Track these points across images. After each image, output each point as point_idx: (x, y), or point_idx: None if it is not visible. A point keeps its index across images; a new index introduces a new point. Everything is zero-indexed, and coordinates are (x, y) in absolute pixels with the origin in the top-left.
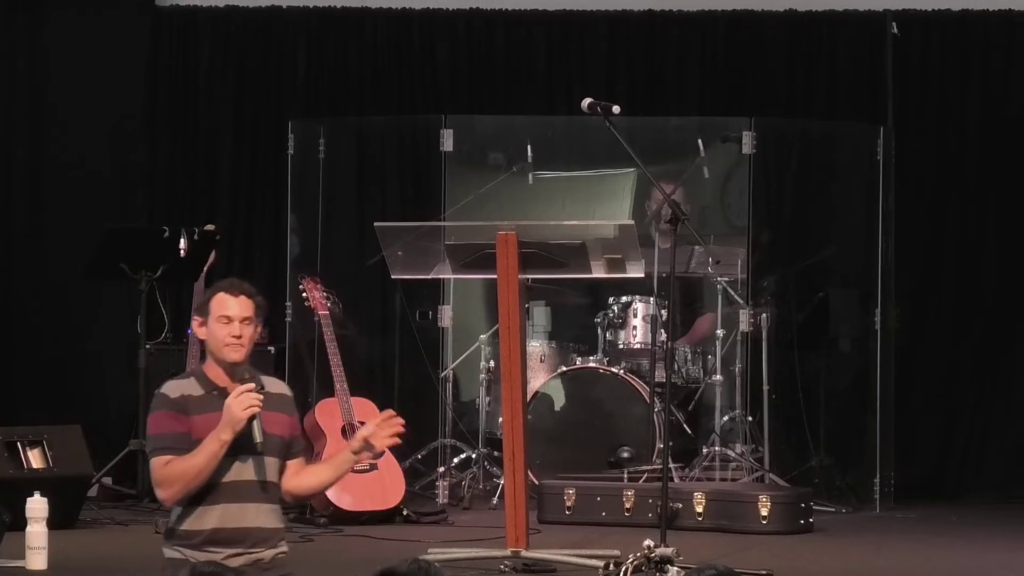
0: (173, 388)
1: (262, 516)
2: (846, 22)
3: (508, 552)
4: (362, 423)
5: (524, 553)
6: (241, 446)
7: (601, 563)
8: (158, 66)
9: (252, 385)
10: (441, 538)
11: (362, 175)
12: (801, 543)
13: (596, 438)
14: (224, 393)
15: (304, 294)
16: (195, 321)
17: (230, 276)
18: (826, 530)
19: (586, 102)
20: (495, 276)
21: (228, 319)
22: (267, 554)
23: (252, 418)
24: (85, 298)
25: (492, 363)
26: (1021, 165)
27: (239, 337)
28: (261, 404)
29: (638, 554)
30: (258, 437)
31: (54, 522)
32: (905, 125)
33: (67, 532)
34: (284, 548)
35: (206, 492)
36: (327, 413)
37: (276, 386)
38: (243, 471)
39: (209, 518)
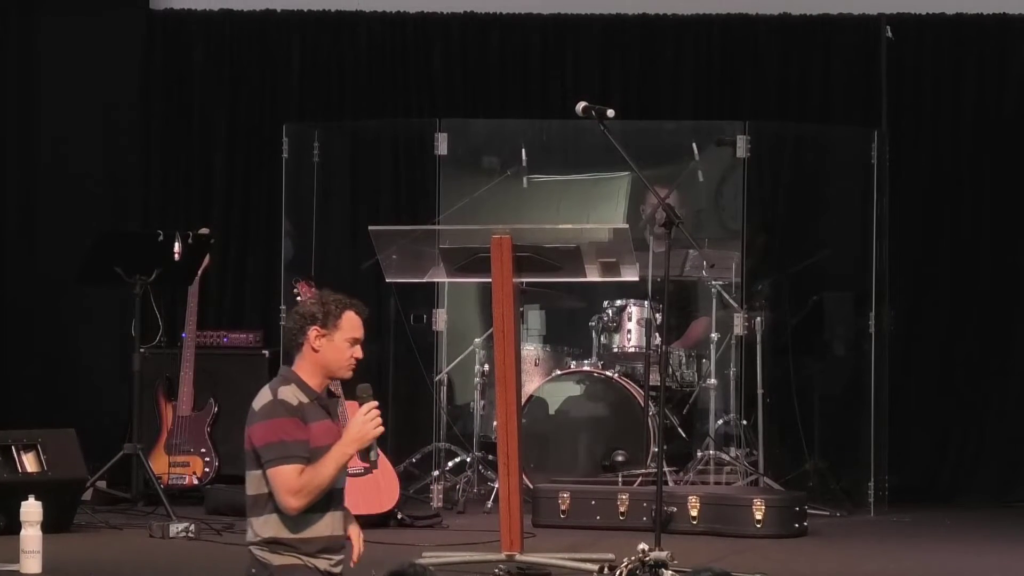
0: (290, 395)
1: (344, 523)
2: (840, 26)
3: (503, 556)
4: None
5: (519, 557)
6: None
7: (596, 567)
8: (152, 69)
9: (376, 403)
10: (435, 542)
11: (356, 179)
12: (795, 547)
13: (590, 442)
14: (322, 402)
15: (298, 298)
16: (314, 330)
17: (223, 280)
18: (820, 533)
19: (580, 106)
20: (489, 280)
21: (356, 340)
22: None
23: None
24: (79, 302)
25: (486, 367)
26: (1015, 168)
27: (359, 360)
28: None
29: (632, 558)
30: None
31: (48, 526)
32: (899, 128)
33: (61, 536)
34: None
35: (320, 500)
36: None
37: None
38: (338, 480)
39: (322, 526)
